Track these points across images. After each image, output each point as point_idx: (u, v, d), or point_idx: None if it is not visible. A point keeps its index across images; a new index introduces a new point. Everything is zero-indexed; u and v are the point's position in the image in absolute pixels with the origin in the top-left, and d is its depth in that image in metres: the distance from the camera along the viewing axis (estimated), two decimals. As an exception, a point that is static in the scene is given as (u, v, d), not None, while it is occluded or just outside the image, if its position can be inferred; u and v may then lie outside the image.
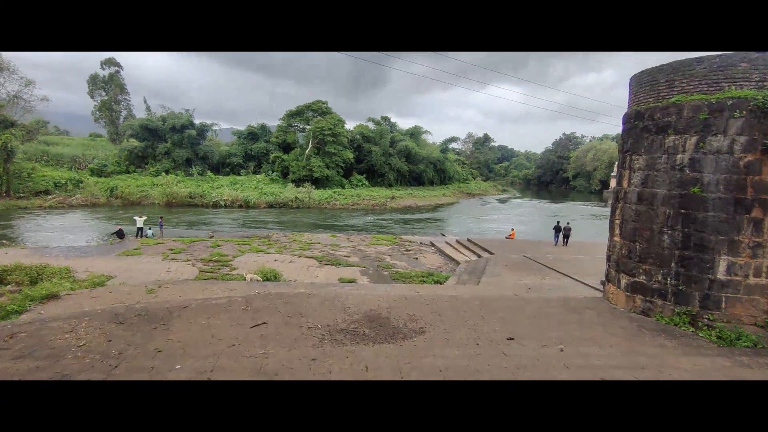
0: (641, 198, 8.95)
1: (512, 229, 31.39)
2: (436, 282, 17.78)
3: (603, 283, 11.21)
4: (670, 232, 8.44)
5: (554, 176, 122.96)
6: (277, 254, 22.95)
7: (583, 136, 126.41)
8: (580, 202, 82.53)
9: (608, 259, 10.14)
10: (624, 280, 9.32)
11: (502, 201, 79.68)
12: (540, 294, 14.64)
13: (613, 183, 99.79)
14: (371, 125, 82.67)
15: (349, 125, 78.52)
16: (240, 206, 50.23)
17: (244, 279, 15.97)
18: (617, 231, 9.66)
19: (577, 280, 16.92)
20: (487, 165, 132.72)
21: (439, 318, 8.51)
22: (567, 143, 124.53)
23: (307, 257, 22.41)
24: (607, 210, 71.33)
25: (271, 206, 51.39)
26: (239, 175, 66.30)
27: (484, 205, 70.31)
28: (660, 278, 8.58)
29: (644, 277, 8.84)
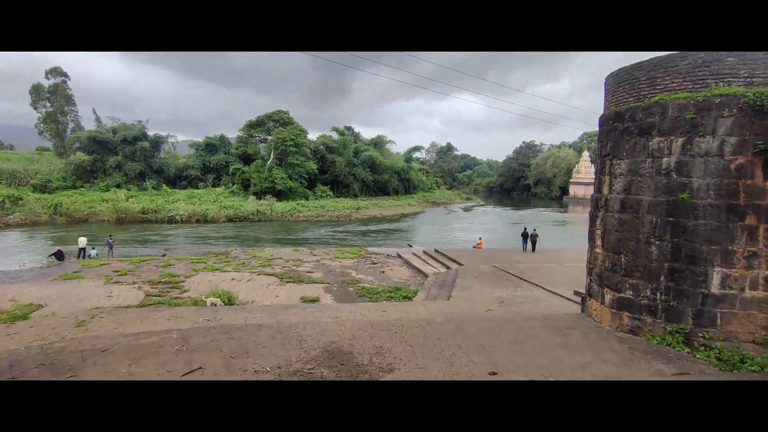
0: (625, 206, 8.22)
1: (480, 238, 30.85)
2: (405, 297, 16.77)
3: (583, 298, 10.45)
4: (658, 242, 7.72)
5: (516, 183, 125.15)
6: (235, 272, 21.40)
7: (542, 144, 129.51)
8: (542, 209, 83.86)
9: (589, 272, 9.37)
10: (609, 296, 8.55)
11: (466, 209, 79.91)
12: (513, 307, 13.83)
13: (572, 189, 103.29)
14: (335, 135, 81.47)
15: (312, 135, 77.18)
16: (197, 221, 47.75)
17: (196, 304, 14.44)
18: (599, 242, 8.91)
19: (549, 291, 16.32)
20: (451, 173, 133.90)
21: (410, 350, 7.42)
22: (527, 151, 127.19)
23: (267, 274, 20.97)
24: (569, 216, 72.88)
25: (230, 220, 49.15)
26: (197, 188, 63.50)
27: (449, 213, 70.16)
28: (649, 293, 7.83)
29: (631, 293, 8.08)
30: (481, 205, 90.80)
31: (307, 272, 21.55)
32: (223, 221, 48.48)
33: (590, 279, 9.30)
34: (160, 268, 21.80)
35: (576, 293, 15.38)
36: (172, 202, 51.23)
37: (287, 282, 19.40)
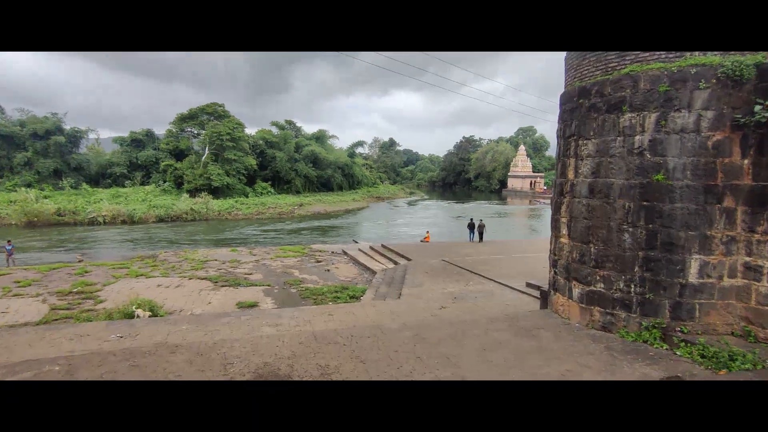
0: (594, 190, 7.45)
1: (427, 232, 30.20)
2: (352, 297, 15.58)
3: (543, 292, 9.71)
4: (631, 229, 7.00)
5: (457, 177, 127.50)
6: (163, 277, 19.21)
7: (481, 139, 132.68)
8: (483, 201, 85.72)
9: (554, 264, 8.57)
10: (577, 290, 7.77)
11: (411, 204, 79.94)
12: (468, 303, 13.02)
13: (510, 182, 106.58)
14: (275, 130, 78.43)
15: (252, 131, 73.84)
16: (123, 222, 43.76)
17: (110, 317, 12.39)
18: (564, 231, 8.11)
19: (502, 284, 15.72)
20: (394, 169, 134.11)
21: (362, 367, 6.17)
22: (467, 146, 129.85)
23: (199, 278, 18.97)
24: (508, 208, 74.85)
25: (162, 220, 45.52)
26: (123, 186, 58.59)
27: (393, 208, 69.68)
28: (622, 285, 7.11)
29: (602, 285, 7.33)
30: (425, 199, 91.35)
31: (246, 274, 19.79)
32: (153, 221, 44.81)
33: (555, 271, 8.51)
34: (74, 277, 19.20)
35: (528, 285, 14.87)
36: (94, 202, 46.68)
37: (222, 286, 17.61)
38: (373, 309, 12.11)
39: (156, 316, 12.86)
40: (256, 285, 17.79)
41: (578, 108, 7.74)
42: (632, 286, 7.02)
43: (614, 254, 7.18)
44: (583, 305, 7.66)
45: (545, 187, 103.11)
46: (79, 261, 23.50)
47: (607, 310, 7.28)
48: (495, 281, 16.23)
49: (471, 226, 27.26)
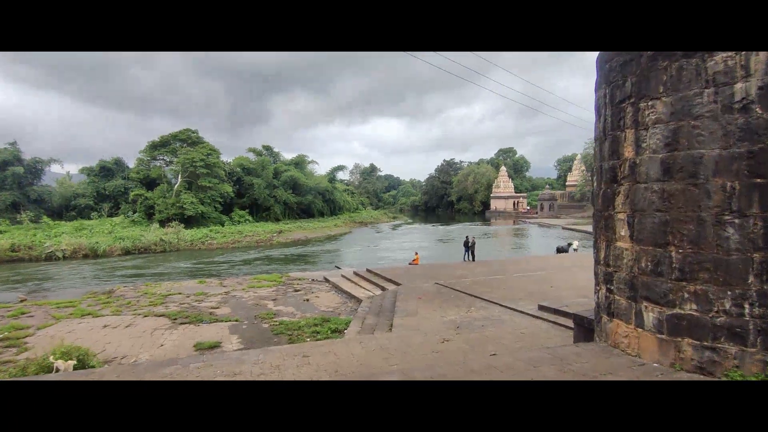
0: (671, 169, 5.25)
1: (416, 254, 27.89)
2: (334, 331, 13.10)
3: (584, 320, 7.39)
4: (738, 221, 4.79)
5: (440, 201, 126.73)
6: (113, 316, 16.50)
7: (461, 162, 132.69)
8: (467, 223, 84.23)
9: (607, 279, 6.26)
10: (651, 314, 5.46)
11: (395, 227, 77.89)
12: (474, 334, 10.66)
13: (493, 204, 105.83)
14: (252, 156, 76.04)
15: (230, 159, 71.41)
16: (85, 256, 40.33)
17: (23, 371, 9.70)
18: (623, 230, 5.86)
19: (510, 308, 13.45)
20: (376, 194, 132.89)
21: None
22: (448, 168, 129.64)
23: (156, 315, 16.29)
24: (492, 228, 73.51)
25: (128, 252, 42.19)
26: (89, 219, 54.96)
27: (378, 232, 67.39)
28: (729, 306, 4.83)
29: (695, 306, 5.05)
30: (409, 223, 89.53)
31: (212, 308, 17.13)
32: (119, 254, 41.47)
33: (609, 289, 6.19)
34: (6, 319, 16.38)
35: (542, 309, 12.63)
36: (54, 236, 43.14)
37: (182, 323, 14.97)
38: (359, 346, 9.64)
39: (85, 367, 10.08)
40: (222, 321, 15.17)
41: (636, 59, 5.61)
42: (746, 305, 4.74)
43: (711, 259, 4.91)
44: (663, 336, 5.32)
45: (528, 207, 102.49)
46: (21, 300, 20.56)
47: (706, 343, 4.96)
48: (500, 305, 13.99)
49: (467, 245, 25.46)
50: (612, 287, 6.13)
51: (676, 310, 5.22)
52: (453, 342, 10.19)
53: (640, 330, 5.64)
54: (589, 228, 59.13)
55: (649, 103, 5.45)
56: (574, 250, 32.35)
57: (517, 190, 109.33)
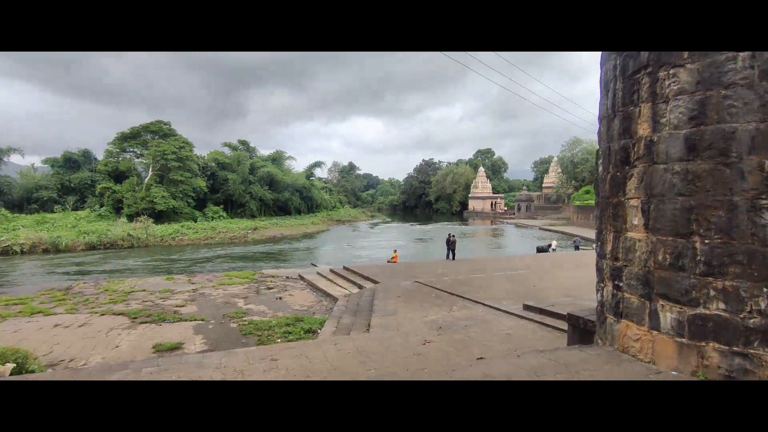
0: (696, 146, 4.58)
1: (395, 251, 27.16)
2: (308, 332, 12.16)
3: (582, 321, 6.74)
4: (775, 206, 4.17)
5: (418, 200, 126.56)
6: (67, 314, 15.14)
7: (440, 162, 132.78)
8: (445, 223, 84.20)
9: (614, 275, 5.58)
10: (670, 314, 4.80)
11: (372, 226, 77.13)
12: (458, 335, 9.93)
13: (471, 204, 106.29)
14: (227, 151, 73.98)
15: (205, 153, 69.24)
16: (45, 251, 38.20)
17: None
18: (636, 219, 5.18)
19: (493, 307, 12.77)
20: (354, 193, 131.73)
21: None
22: (427, 168, 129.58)
23: (115, 314, 15.01)
24: (469, 228, 73.52)
25: (93, 247, 40.21)
26: (52, 212, 52.33)
27: (356, 231, 66.48)
28: (765, 305, 4.20)
29: (723, 306, 4.40)
30: (387, 222, 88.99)
31: (177, 306, 15.95)
32: (82, 249, 39.44)
33: (616, 286, 5.53)
34: (-54, 317, 14.86)
35: (527, 308, 11.98)
36: (12, 230, 40.75)
37: (142, 323, 13.77)
38: (334, 348, 8.79)
39: (23, 372, 8.90)
40: (186, 320, 14.04)
41: (654, 25, 4.95)
42: (783, 304, 4.12)
43: (744, 250, 4.27)
44: (684, 340, 4.65)
45: (506, 208, 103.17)
46: (-34, 297, 18.88)
47: (736, 348, 4.33)
48: (483, 304, 13.31)
49: (449, 242, 24.87)
50: (621, 284, 5.46)
51: (700, 310, 4.56)
52: (435, 343, 9.44)
53: (655, 332, 4.98)
54: (566, 229, 59.56)
55: (671, 72, 4.79)
56: (553, 250, 32.21)
57: (494, 191, 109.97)
